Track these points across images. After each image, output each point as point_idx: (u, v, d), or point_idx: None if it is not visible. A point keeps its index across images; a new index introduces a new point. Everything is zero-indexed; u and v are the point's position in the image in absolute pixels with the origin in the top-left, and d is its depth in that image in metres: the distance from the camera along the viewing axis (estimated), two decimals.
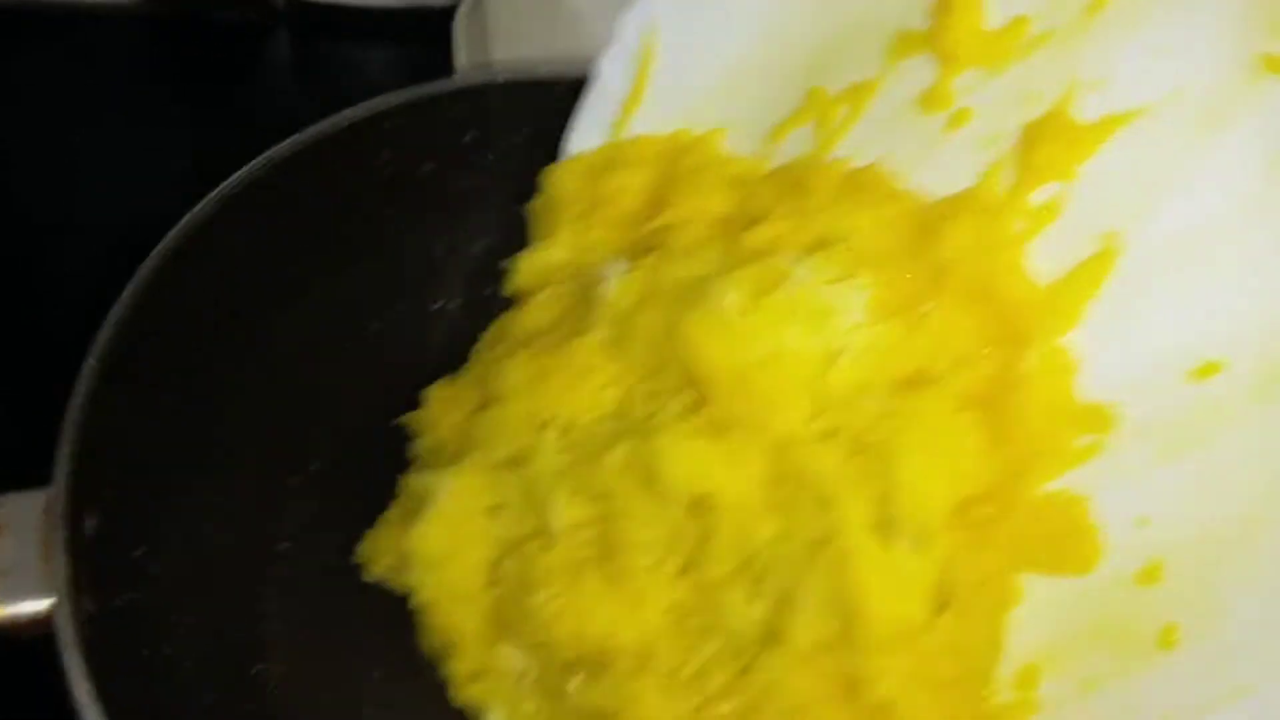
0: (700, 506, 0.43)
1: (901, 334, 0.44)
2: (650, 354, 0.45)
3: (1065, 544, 0.43)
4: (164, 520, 0.48)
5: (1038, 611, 0.43)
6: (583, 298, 0.51)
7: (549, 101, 0.55)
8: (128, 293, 0.46)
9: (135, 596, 0.45)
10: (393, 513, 0.50)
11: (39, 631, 0.42)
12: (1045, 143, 0.44)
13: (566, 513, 0.45)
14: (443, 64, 0.80)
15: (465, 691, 0.49)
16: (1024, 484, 0.43)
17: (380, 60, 0.90)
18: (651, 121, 0.53)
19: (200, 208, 0.49)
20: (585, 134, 0.53)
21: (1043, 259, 0.44)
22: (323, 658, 0.51)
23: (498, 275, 0.59)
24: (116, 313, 0.46)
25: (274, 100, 0.87)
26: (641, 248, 0.51)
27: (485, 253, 0.59)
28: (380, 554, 0.50)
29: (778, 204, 0.48)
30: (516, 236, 0.59)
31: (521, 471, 0.46)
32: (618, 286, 0.47)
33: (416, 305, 0.58)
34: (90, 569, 0.42)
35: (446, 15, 0.82)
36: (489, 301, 0.58)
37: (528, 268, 0.54)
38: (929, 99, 0.47)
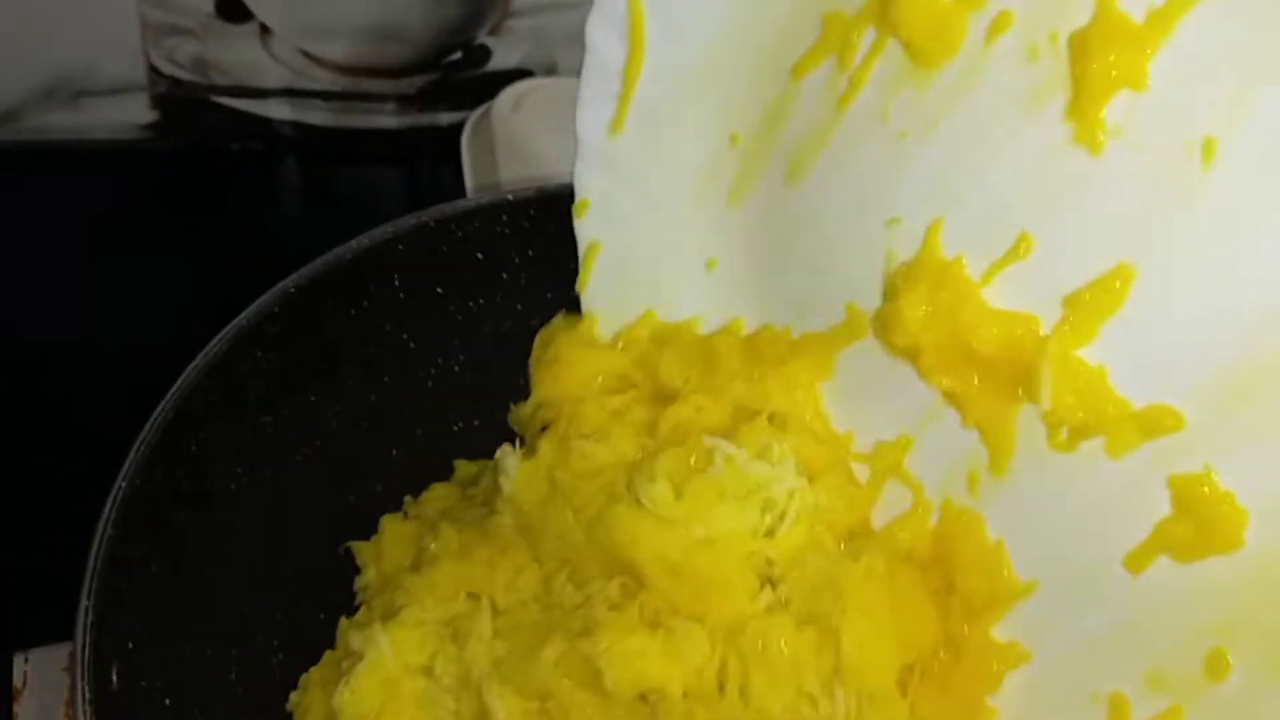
0: (647, 699, 0.43)
1: (836, 488, 0.44)
2: (564, 545, 0.46)
3: None
4: (186, 666, 0.47)
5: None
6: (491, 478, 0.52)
7: (558, 216, 0.55)
8: (145, 436, 0.46)
9: None
10: (325, 663, 0.50)
11: None
12: (1102, 47, 0.36)
13: (506, 705, 0.44)
14: (451, 181, 0.80)
15: None
16: (974, 629, 0.42)
17: (388, 180, 0.91)
18: (658, 87, 0.47)
19: (216, 342, 0.49)
20: (592, 110, 0.49)
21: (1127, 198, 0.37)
22: None
23: (515, 394, 0.59)
24: (133, 460, 0.45)
25: (284, 225, 0.87)
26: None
27: (502, 370, 0.59)
28: (309, 707, 0.49)
29: (686, 378, 0.48)
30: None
31: (458, 647, 0.46)
32: (516, 478, 0.48)
33: (438, 427, 0.57)
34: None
35: (453, 132, 0.83)
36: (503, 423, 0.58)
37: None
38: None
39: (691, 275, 0.49)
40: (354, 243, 0.53)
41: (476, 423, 0.58)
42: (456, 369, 0.57)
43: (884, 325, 0.41)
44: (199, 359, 0.48)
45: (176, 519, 0.47)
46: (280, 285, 0.51)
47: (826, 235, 0.44)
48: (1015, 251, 0.39)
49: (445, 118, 0.87)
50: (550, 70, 0.86)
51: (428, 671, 0.46)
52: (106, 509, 0.44)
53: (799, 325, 0.46)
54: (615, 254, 0.51)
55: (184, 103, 0.85)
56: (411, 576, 0.48)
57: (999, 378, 0.39)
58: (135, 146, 0.87)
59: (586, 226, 0.51)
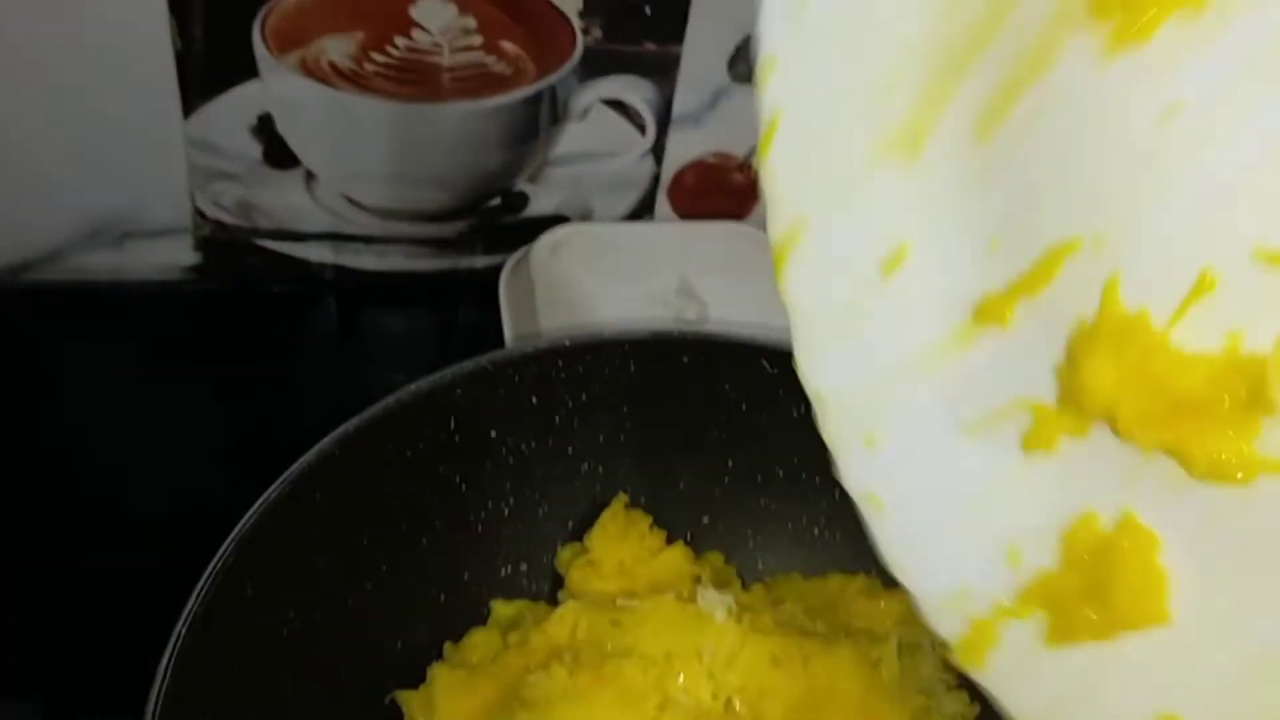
0: None
1: None
2: None
3: None
4: None
5: None
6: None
7: (611, 362, 0.56)
8: (207, 580, 0.46)
9: None
10: None
11: None
12: None
13: None
14: (489, 325, 0.81)
15: None
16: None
17: (425, 324, 0.92)
18: None
19: (277, 486, 0.49)
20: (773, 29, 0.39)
21: None
22: None
23: (562, 536, 0.59)
24: (193, 606, 0.45)
25: (322, 367, 0.88)
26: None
27: (549, 513, 0.59)
28: None
29: None
30: (581, 497, 0.59)
31: None
32: None
33: (484, 570, 0.57)
34: None
35: (490, 276, 0.85)
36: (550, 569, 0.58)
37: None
38: None
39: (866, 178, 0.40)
40: (413, 386, 0.53)
41: (524, 566, 0.58)
42: (506, 512, 0.58)
43: (1071, 396, 0.37)
44: (260, 502, 0.48)
45: (232, 669, 0.47)
46: (340, 429, 0.51)
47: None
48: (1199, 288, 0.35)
49: (482, 261, 0.89)
50: (586, 216, 0.87)
51: None
52: (165, 660, 0.43)
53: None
54: (798, 129, 0.40)
55: (227, 245, 0.86)
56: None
57: (1218, 413, 0.37)
58: (174, 289, 0.88)
59: (772, 91, 0.39)
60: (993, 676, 0.39)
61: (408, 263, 0.89)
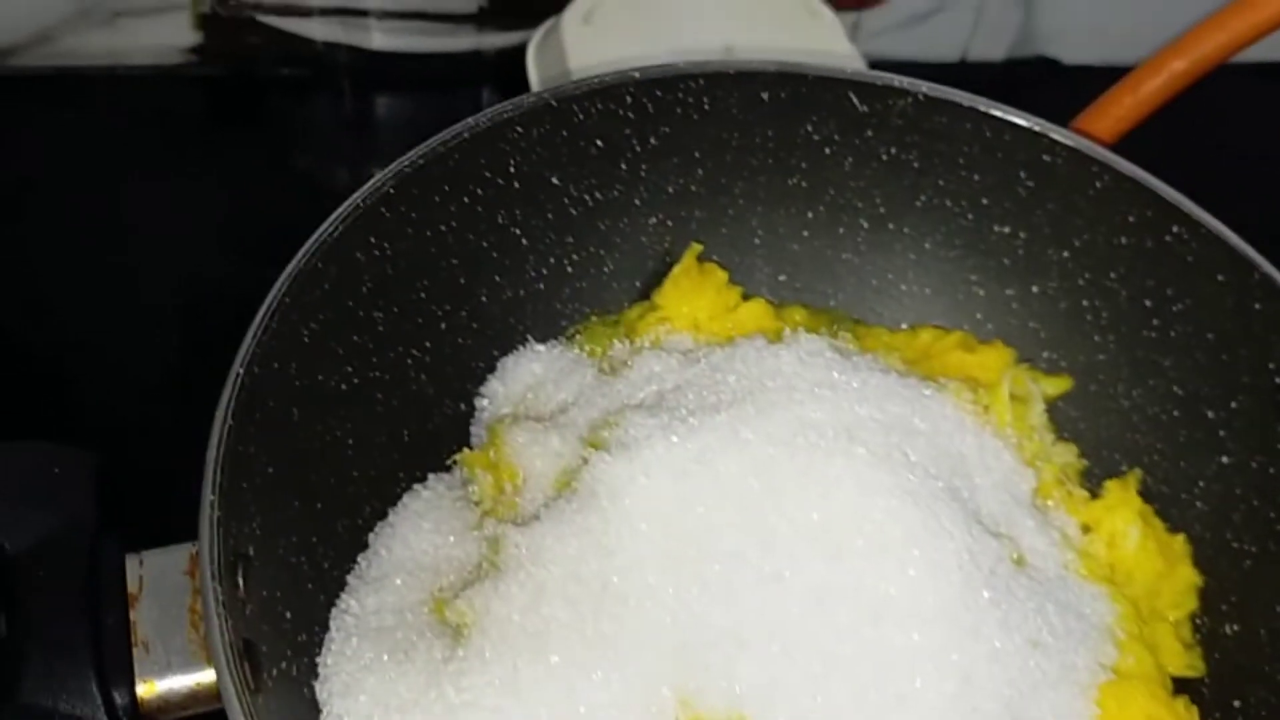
0: None
1: None
2: None
3: None
4: (302, 579, 0.42)
5: None
6: None
7: (684, 100, 0.51)
8: (262, 320, 0.41)
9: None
10: None
11: (192, 709, 0.36)
12: None
13: None
14: None
15: None
16: None
17: (444, 110, 0.85)
18: None
19: (330, 224, 0.44)
20: None
21: None
22: None
23: (631, 295, 0.55)
24: (249, 346, 0.41)
25: (335, 159, 0.82)
26: None
27: (613, 275, 0.54)
28: None
29: None
30: (650, 254, 0.54)
31: None
32: None
33: (548, 329, 0.53)
34: (247, 630, 0.36)
35: (511, 57, 0.79)
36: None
37: None
38: None
39: None
40: (470, 121, 0.48)
41: (590, 322, 0.54)
42: (569, 268, 0.53)
43: None
44: (313, 239, 0.44)
45: (290, 416, 0.43)
46: (396, 164, 0.46)
47: None
48: None
49: (505, 39, 0.83)
50: None
51: None
52: (226, 397, 0.39)
53: None
54: None
55: (228, 23, 0.80)
56: None
57: None
58: (176, 74, 0.82)
59: None
60: None
61: (424, 42, 0.82)
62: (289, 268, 0.42)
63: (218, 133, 0.82)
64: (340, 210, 0.44)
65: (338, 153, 0.83)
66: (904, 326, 0.54)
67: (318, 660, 0.42)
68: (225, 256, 0.74)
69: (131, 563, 0.38)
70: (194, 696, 0.36)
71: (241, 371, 0.40)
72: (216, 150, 0.80)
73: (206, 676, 0.36)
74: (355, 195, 0.45)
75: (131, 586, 0.37)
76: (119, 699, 0.35)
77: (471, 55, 0.84)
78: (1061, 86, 0.67)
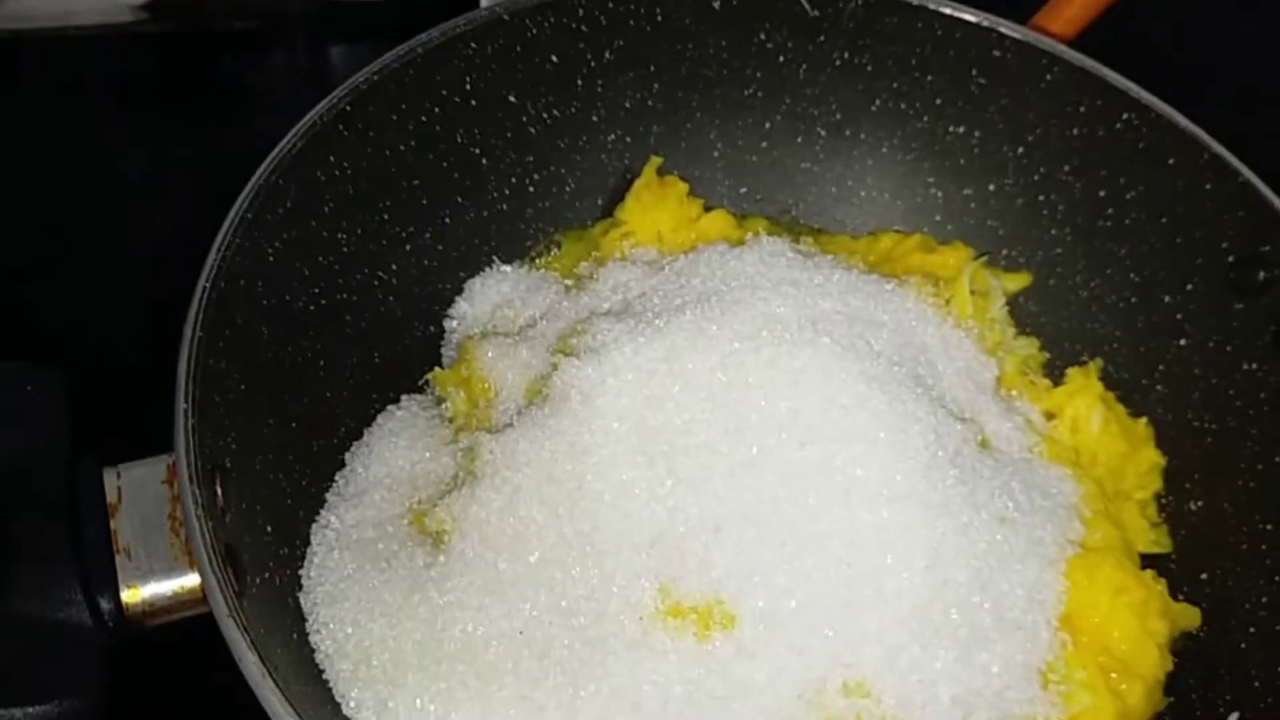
0: None
1: None
2: None
3: None
4: (279, 494, 0.43)
5: None
6: None
7: (636, 10, 0.51)
8: (225, 236, 0.41)
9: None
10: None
11: (177, 613, 0.37)
12: None
13: None
14: None
15: None
16: None
17: None
18: None
19: (289, 140, 0.44)
20: None
21: None
22: None
23: (594, 212, 0.55)
24: (214, 260, 0.41)
25: (293, 113, 0.82)
26: None
27: (575, 194, 0.55)
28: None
29: None
30: (610, 170, 0.55)
31: None
32: None
33: (513, 249, 0.53)
34: (228, 536, 0.37)
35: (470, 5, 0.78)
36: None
37: None
38: None
39: None
40: (424, 37, 0.48)
41: (554, 249, 0.54)
42: (531, 188, 0.53)
43: None
44: (274, 154, 0.44)
45: (260, 335, 0.43)
46: (351, 80, 0.46)
47: None
48: None
49: None
50: None
51: None
52: (194, 310, 0.39)
53: None
54: None
55: None
56: None
57: None
58: (129, 32, 0.81)
59: None
60: None
61: None
62: (250, 182, 0.43)
63: (172, 90, 0.82)
64: (299, 126, 0.45)
65: (293, 105, 0.83)
66: (865, 233, 0.55)
67: (300, 574, 0.42)
68: (185, 204, 0.73)
69: (109, 475, 0.38)
70: (178, 600, 0.36)
71: (208, 285, 0.40)
72: (171, 106, 0.80)
73: (190, 580, 0.36)
74: (313, 111, 0.45)
75: (111, 498, 0.37)
76: (104, 604, 0.35)
77: (426, 2, 0.83)
78: None
